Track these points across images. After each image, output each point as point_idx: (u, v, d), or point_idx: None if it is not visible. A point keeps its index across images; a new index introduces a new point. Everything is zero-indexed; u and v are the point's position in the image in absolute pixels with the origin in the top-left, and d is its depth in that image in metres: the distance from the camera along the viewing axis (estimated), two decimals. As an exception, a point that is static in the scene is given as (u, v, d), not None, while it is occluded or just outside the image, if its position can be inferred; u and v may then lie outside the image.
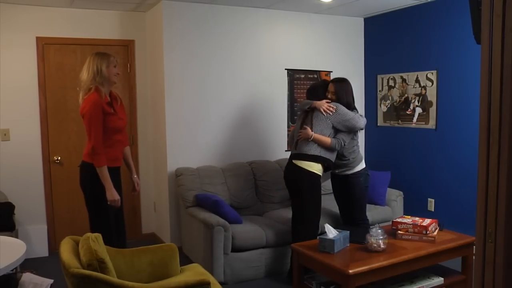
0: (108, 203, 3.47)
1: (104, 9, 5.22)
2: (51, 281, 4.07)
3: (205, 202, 4.53)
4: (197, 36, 5.06)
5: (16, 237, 4.29)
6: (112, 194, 3.46)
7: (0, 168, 4.88)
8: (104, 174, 3.43)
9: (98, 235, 2.81)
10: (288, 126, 5.65)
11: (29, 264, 4.28)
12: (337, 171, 4.34)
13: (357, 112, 4.23)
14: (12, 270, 3.03)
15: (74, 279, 2.46)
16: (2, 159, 4.89)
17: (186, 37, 5.01)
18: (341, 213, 4.54)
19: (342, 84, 4.23)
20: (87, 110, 3.40)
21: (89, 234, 2.75)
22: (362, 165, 4.28)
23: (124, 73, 5.40)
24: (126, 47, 5.41)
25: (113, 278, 2.55)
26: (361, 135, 6.08)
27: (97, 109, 3.38)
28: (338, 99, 4.18)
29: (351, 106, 4.19)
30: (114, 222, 3.62)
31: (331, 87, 4.22)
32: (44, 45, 5.04)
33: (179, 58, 4.99)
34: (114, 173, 3.57)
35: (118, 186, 3.61)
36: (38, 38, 4.99)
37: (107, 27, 5.28)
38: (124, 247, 3.47)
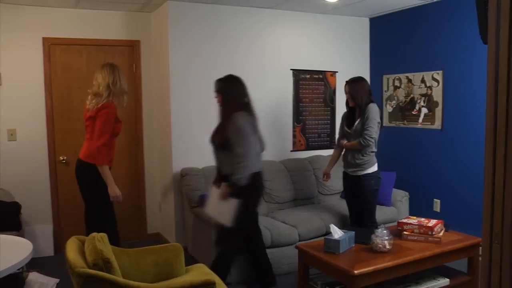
0: (111, 199, 3.78)
1: (110, 10, 5.24)
2: (57, 280, 4.10)
3: (210, 202, 4.52)
4: (202, 36, 5.07)
5: (23, 236, 4.31)
6: (114, 190, 3.78)
7: (7, 168, 4.90)
8: (106, 171, 3.76)
9: (104, 235, 2.82)
10: (294, 127, 5.64)
11: (35, 263, 4.30)
12: (349, 171, 4.34)
13: (372, 103, 4.23)
14: (18, 269, 3.05)
15: (80, 278, 2.47)
16: (9, 159, 4.91)
17: (192, 37, 5.02)
18: (350, 214, 4.52)
19: (355, 84, 4.27)
20: (104, 113, 3.74)
21: (94, 234, 2.76)
22: (374, 168, 4.26)
23: (130, 73, 5.42)
24: (132, 48, 5.42)
25: (119, 278, 2.56)
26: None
27: (113, 115, 3.79)
28: (353, 99, 4.23)
29: (368, 103, 4.21)
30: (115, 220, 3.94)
31: (346, 88, 4.30)
32: (50, 46, 5.06)
33: (184, 58, 4.99)
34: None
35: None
36: (44, 39, 5.01)
37: (113, 28, 5.30)
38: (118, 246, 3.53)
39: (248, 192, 3.72)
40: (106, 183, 3.74)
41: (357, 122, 4.25)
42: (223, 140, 3.72)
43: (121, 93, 3.90)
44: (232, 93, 3.82)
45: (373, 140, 4.16)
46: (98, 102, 3.78)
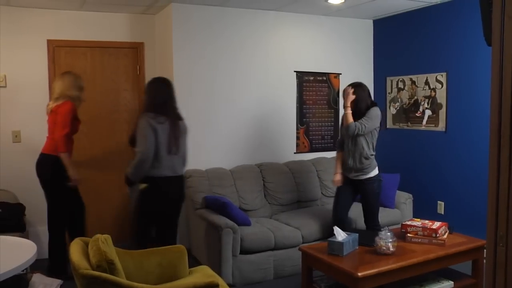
0: (71, 182, 4.27)
1: (114, 12, 5.25)
2: (61, 282, 4.11)
3: (214, 204, 4.53)
4: (206, 38, 5.08)
5: (27, 238, 4.32)
6: (74, 174, 4.30)
7: (11, 169, 4.91)
8: (66, 158, 4.25)
9: (108, 237, 2.82)
10: (297, 129, 5.64)
11: (39, 264, 4.30)
12: (351, 175, 4.30)
13: (376, 107, 4.22)
14: (22, 271, 3.06)
15: (84, 280, 2.47)
16: (14, 160, 4.92)
17: (195, 40, 5.03)
18: (352, 218, 4.51)
19: (359, 88, 4.24)
20: (64, 109, 4.21)
21: (98, 235, 2.77)
22: (375, 171, 4.25)
23: (134, 75, 5.44)
24: (136, 49, 5.43)
25: (122, 280, 2.56)
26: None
27: (72, 111, 4.25)
28: (356, 104, 4.19)
29: (370, 106, 4.21)
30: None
31: (350, 90, 4.26)
32: (55, 48, 5.08)
33: (188, 60, 5.00)
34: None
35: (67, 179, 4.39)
36: (49, 41, 5.03)
37: (117, 30, 5.31)
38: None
39: (144, 194, 3.71)
40: (67, 168, 4.23)
41: None
42: (131, 138, 3.80)
43: (78, 99, 4.38)
44: (149, 94, 3.82)
45: (363, 130, 4.11)
46: (58, 102, 4.27)
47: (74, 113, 4.30)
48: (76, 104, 4.35)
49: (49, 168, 4.29)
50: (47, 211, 4.41)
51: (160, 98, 3.75)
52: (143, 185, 3.70)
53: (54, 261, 4.38)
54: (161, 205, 3.76)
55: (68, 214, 4.42)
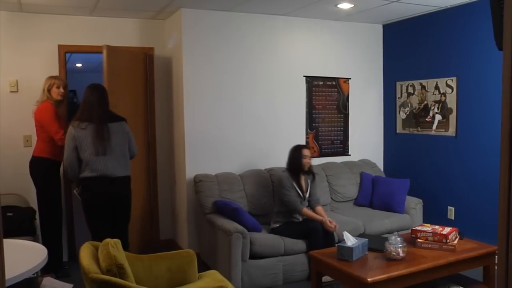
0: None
1: (124, 17, 5.29)
2: (71, 285, 4.13)
3: (223, 209, 4.54)
4: (216, 43, 5.10)
5: (37, 241, 4.35)
6: None
7: (23, 173, 4.94)
8: None
9: (117, 241, 2.83)
10: (307, 134, 5.63)
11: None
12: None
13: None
14: (33, 274, 3.08)
15: (94, 284, 2.48)
16: (25, 164, 4.94)
17: (205, 45, 5.05)
18: None
19: None
20: (45, 116, 4.42)
21: (108, 239, 2.78)
22: None
23: (144, 80, 5.46)
24: (146, 54, 5.47)
25: (132, 284, 2.56)
26: (380, 142, 6.06)
27: (52, 112, 4.45)
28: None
29: None
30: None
31: (308, 152, 4.68)
32: (66, 53, 5.12)
33: (197, 65, 5.02)
34: (58, 166, 4.61)
35: (58, 179, 4.67)
36: (60, 46, 5.07)
37: (127, 35, 5.35)
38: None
39: (82, 195, 3.95)
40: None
41: (309, 186, 4.62)
42: None
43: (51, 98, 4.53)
44: (83, 101, 4.01)
45: None
46: (39, 103, 4.50)
47: (55, 112, 4.47)
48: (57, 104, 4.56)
49: (38, 169, 4.54)
50: (38, 210, 4.61)
51: (87, 104, 3.96)
52: (77, 188, 4.00)
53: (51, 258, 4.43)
54: (92, 203, 3.94)
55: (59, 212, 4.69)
